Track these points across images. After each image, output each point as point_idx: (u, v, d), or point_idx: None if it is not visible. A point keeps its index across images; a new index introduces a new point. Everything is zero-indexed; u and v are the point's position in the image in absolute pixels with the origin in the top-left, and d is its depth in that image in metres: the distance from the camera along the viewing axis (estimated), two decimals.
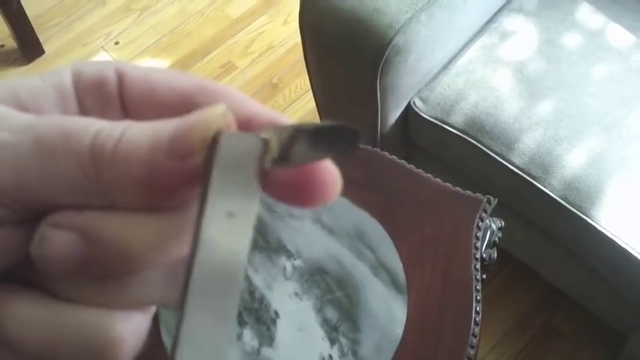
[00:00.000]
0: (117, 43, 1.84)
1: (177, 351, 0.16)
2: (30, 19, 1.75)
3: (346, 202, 0.57)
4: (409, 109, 1.16)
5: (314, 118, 1.33)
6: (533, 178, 1.06)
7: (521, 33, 1.17)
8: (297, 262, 0.56)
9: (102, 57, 1.82)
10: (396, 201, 0.59)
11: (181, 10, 1.91)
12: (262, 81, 1.76)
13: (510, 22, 1.19)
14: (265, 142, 0.18)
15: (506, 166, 1.07)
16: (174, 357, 0.16)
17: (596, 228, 1.01)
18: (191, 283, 0.17)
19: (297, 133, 0.18)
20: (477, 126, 1.10)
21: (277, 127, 0.18)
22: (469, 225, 0.56)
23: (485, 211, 0.58)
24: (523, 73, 1.12)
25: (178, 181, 0.17)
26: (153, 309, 0.20)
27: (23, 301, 0.18)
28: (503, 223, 0.65)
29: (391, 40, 0.97)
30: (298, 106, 1.69)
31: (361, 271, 0.56)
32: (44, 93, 0.20)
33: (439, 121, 1.12)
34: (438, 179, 0.60)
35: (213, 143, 0.17)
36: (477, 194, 0.59)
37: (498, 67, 1.14)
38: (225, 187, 0.18)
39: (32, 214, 0.18)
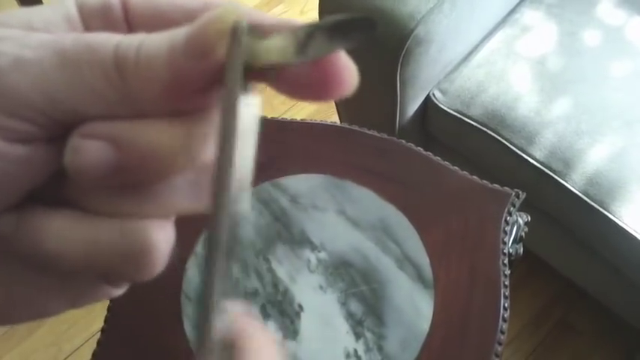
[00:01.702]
0: None
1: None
2: None
3: (371, 194, 0.55)
4: (428, 101, 1.14)
5: (331, 108, 1.31)
6: (554, 172, 1.04)
7: (543, 25, 1.15)
8: (322, 255, 0.55)
9: None
10: (422, 194, 0.58)
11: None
12: None
13: (532, 14, 1.17)
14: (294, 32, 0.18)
15: (527, 160, 1.06)
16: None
17: (617, 224, 0.99)
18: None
19: (314, 29, 0.18)
20: (497, 119, 1.08)
21: (293, 28, 0.18)
22: (497, 219, 0.55)
23: (514, 205, 0.57)
24: (544, 66, 1.11)
25: (201, 81, 0.17)
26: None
27: (58, 217, 0.18)
28: (529, 218, 0.64)
29: (412, 30, 0.95)
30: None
31: (386, 265, 0.54)
32: (55, 22, 0.19)
33: (459, 113, 1.11)
34: (465, 172, 0.59)
35: (232, 37, 0.17)
36: (505, 188, 0.57)
37: (519, 60, 1.12)
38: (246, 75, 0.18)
39: (60, 130, 0.18)
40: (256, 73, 0.18)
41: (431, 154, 0.59)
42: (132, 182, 0.18)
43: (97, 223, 0.18)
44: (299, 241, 0.54)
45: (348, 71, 0.19)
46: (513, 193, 0.56)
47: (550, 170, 1.04)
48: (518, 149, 1.06)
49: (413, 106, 1.15)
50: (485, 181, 0.58)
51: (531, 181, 1.08)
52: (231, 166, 0.17)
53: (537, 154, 1.05)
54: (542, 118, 1.06)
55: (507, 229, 0.57)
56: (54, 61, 0.17)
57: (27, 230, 0.18)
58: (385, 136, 0.62)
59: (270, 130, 0.48)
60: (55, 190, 0.19)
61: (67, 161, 0.18)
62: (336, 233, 0.54)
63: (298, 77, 0.19)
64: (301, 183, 0.56)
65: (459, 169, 0.59)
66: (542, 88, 1.09)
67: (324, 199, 0.55)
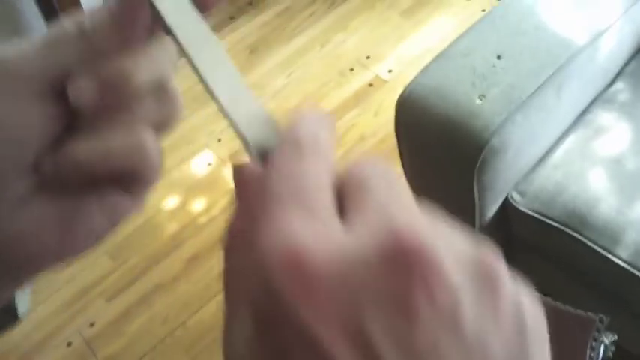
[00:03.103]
0: (219, 140, 1.97)
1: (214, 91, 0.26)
2: None
3: None
4: (507, 203, 1.17)
5: None
6: None
7: (616, 125, 1.17)
8: None
9: (206, 154, 1.95)
10: None
11: (278, 106, 2.03)
12: None
13: (604, 114, 1.19)
14: None
15: (612, 260, 1.06)
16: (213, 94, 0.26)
17: None
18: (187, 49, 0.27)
19: None
20: (578, 219, 1.09)
21: None
22: (582, 346, 0.56)
23: (599, 331, 0.58)
24: (622, 166, 1.12)
25: (139, 26, 0.27)
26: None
27: (81, 141, 0.26)
28: (616, 337, 0.65)
29: (487, 141, 1.00)
30: None
31: None
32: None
33: (538, 214, 1.13)
34: (548, 297, 0.61)
35: None
36: (589, 313, 0.59)
37: (596, 160, 1.14)
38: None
39: (58, 87, 0.26)
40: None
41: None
42: (117, 102, 0.26)
43: (105, 135, 0.26)
44: None
45: None
46: (597, 319, 0.58)
47: (637, 270, 1.04)
48: (602, 249, 1.07)
49: (492, 209, 1.17)
50: (567, 306, 0.60)
51: (618, 281, 1.07)
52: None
53: (622, 253, 1.05)
54: (625, 217, 1.07)
55: (593, 354, 0.58)
56: (41, 43, 0.26)
57: (63, 158, 0.26)
58: None
59: None
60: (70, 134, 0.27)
61: (72, 97, 0.26)
62: None
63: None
64: None
65: (543, 295, 0.62)
66: (621, 187, 1.10)
67: None
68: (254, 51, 2.23)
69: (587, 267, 1.11)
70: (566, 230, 1.10)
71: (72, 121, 0.27)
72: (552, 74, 1.06)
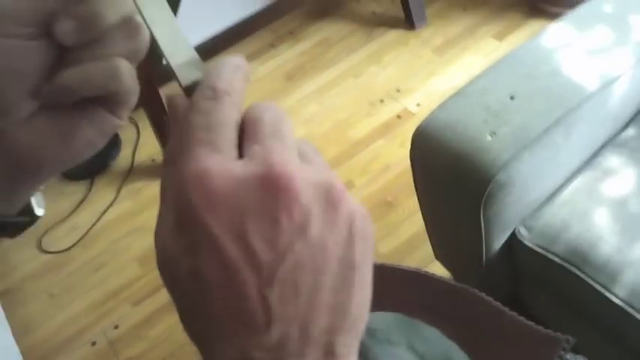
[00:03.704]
0: None
1: (152, 31, 0.34)
2: None
3: (437, 333, 0.65)
4: (514, 237, 1.22)
5: (424, 237, 1.41)
6: (637, 310, 1.07)
7: (624, 169, 1.22)
8: None
9: None
10: (481, 335, 0.67)
11: (309, 132, 2.11)
12: (378, 199, 1.89)
13: (614, 158, 1.24)
14: None
15: (609, 298, 1.10)
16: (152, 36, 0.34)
17: None
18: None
19: None
20: (579, 256, 1.14)
21: None
22: None
23: (564, 350, 0.64)
24: (626, 208, 1.16)
25: None
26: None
27: (68, 69, 0.33)
28: None
29: (494, 176, 1.06)
30: (410, 223, 1.79)
31: None
32: None
33: (542, 249, 1.18)
34: (521, 317, 0.67)
35: None
36: (558, 334, 0.65)
37: (602, 201, 1.19)
38: None
39: (45, 29, 0.33)
40: None
41: (492, 299, 0.69)
42: (93, 36, 0.33)
43: (88, 64, 0.33)
44: None
45: None
46: (563, 339, 0.64)
47: (632, 309, 1.07)
48: (601, 286, 1.11)
49: (499, 241, 1.23)
50: (539, 327, 0.66)
51: (615, 318, 1.11)
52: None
53: (620, 292, 1.09)
54: (625, 258, 1.11)
55: None
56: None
57: (56, 84, 0.33)
58: (452, 281, 0.72)
59: None
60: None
61: (57, 36, 0.32)
62: None
63: None
64: (378, 319, 0.67)
65: (517, 315, 0.68)
66: (623, 228, 1.14)
67: (397, 334, 0.65)
68: (291, 78, 2.34)
69: (586, 302, 1.15)
70: (568, 266, 1.14)
71: (60, 55, 0.34)
72: (561, 117, 1.11)
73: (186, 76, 0.35)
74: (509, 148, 1.09)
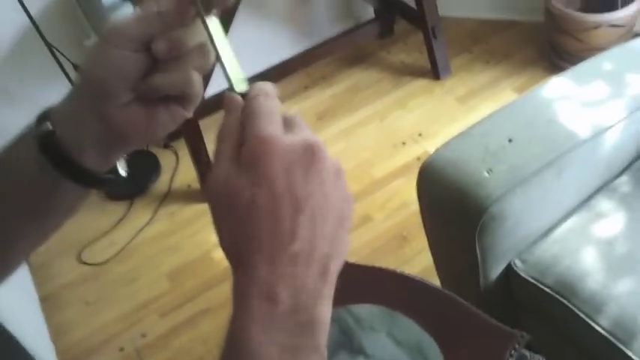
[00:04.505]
0: None
1: (218, 54, 0.50)
2: None
3: (413, 324, 0.78)
4: (510, 268, 1.33)
5: (433, 271, 1.53)
6: (619, 340, 1.16)
7: (615, 212, 1.33)
8: None
9: None
10: (450, 327, 0.79)
11: None
12: (393, 233, 2.01)
13: (606, 202, 1.35)
14: None
15: (593, 327, 1.19)
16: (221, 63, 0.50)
17: None
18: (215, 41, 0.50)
19: None
20: (568, 288, 1.24)
21: None
22: (499, 357, 0.74)
23: (519, 344, 0.75)
24: (613, 247, 1.27)
25: (189, 14, 0.50)
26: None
27: (158, 75, 0.51)
28: (543, 359, 0.80)
29: (487, 208, 1.19)
30: (422, 258, 1.90)
31: None
32: None
33: (536, 280, 1.28)
34: (485, 315, 0.79)
35: None
36: (514, 330, 0.76)
37: (591, 240, 1.29)
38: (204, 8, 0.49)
39: (146, 45, 0.49)
40: (207, 4, 0.49)
41: (461, 299, 0.81)
42: (177, 54, 0.49)
43: (171, 73, 0.50)
44: (357, 350, 0.76)
45: None
46: (518, 335, 0.75)
47: (615, 338, 1.17)
48: (587, 317, 1.21)
49: (495, 271, 1.34)
50: (499, 323, 0.78)
51: (599, 347, 1.20)
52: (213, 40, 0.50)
53: (604, 323, 1.19)
54: (609, 292, 1.21)
55: None
56: (136, 18, 0.49)
57: (148, 84, 0.50)
58: (429, 282, 0.85)
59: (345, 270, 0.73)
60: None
61: (154, 51, 0.49)
62: (384, 348, 0.76)
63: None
64: (364, 310, 0.80)
65: (482, 313, 0.80)
66: (609, 266, 1.24)
67: (379, 323, 0.78)
68: (321, 118, 2.50)
69: (574, 331, 1.25)
70: (558, 297, 1.25)
71: (153, 64, 0.51)
72: (553, 159, 1.24)
73: (239, 86, 0.49)
74: (503, 184, 1.21)
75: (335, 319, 0.78)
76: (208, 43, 0.50)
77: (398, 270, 0.85)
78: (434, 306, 0.80)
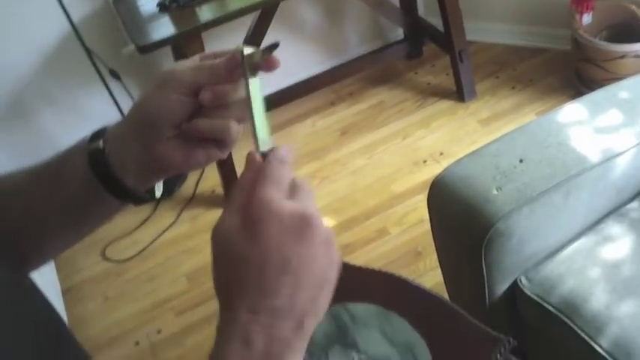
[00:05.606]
0: None
1: (252, 111, 0.55)
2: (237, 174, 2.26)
3: (406, 324, 0.82)
4: (516, 286, 1.36)
5: (444, 288, 1.56)
6: None
7: (623, 237, 1.35)
8: (363, 357, 0.81)
9: None
10: (440, 330, 0.82)
11: (353, 182, 2.31)
12: (408, 248, 2.04)
13: (615, 226, 1.37)
14: (259, 51, 0.55)
15: (594, 347, 1.21)
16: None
17: None
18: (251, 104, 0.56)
19: (265, 49, 0.55)
20: (572, 307, 1.26)
21: (259, 50, 0.56)
22: (488, 358, 0.77)
23: (505, 348, 0.79)
24: (618, 271, 1.29)
25: (234, 70, 0.56)
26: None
27: (201, 119, 0.58)
28: None
29: (494, 224, 1.22)
30: (435, 274, 1.93)
31: None
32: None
33: (540, 298, 1.31)
34: (475, 320, 0.83)
35: (242, 55, 0.55)
36: (501, 335, 0.80)
37: (598, 263, 1.31)
38: (250, 70, 0.56)
39: (196, 91, 0.56)
40: (254, 66, 0.55)
41: (453, 303, 0.84)
42: (220, 104, 0.56)
43: (213, 119, 0.57)
44: (350, 345, 0.80)
45: (276, 61, 0.56)
46: (505, 339, 0.79)
47: (614, 359, 1.19)
48: (588, 336, 1.23)
49: (501, 287, 1.37)
50: (488, 328, 0.82)
51: None
52: (251, 100, 0.55)
53: (604, 343, 1.21)
54: (611, 313, 1.23)
55: None
56: (191, 67, 0.57)
57: (192, 125, 0.57)
58: (424, 287, 0.89)
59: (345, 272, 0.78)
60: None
61: (201, 98, 0.56)
62: (376, 345, 0.80)
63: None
64: (361, 308, 0.84)
65: (471, 317, 0.83)
66: (613, 287, 1.27)
67: (373, 321, 0.83)
68: (345, 133, 2.56)
69: (576, 350, 1.27)
70: (561, 316, 1.27)
71: (199, 109, 0.58)
72: (562, 182, 1.27)
73: (263, 147, 0.55)
74: (511, 202, 1.24)
75: (332, 315, 0.83)
76: (246, 100, 0.55)
77: (396, 274, 0.90)
78: (427, 309, 0.84)
